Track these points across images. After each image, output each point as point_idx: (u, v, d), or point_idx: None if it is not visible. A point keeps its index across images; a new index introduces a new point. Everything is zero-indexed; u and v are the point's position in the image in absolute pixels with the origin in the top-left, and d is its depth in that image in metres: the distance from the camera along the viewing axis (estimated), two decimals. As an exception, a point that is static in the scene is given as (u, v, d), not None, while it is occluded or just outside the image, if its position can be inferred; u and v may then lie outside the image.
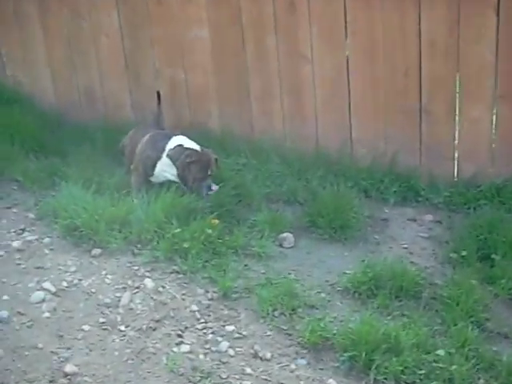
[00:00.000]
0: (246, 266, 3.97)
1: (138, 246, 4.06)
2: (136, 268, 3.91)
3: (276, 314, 3.61)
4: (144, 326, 3.49)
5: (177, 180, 4.32)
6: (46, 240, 4.11)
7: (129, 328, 3.48)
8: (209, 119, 5.22)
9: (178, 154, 4.25)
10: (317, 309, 3.66)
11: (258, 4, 4.90)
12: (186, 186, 4.28)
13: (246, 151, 5.03)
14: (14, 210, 4.42)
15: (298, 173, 4.89)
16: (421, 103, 4.74)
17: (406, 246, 4.25)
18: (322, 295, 3.77)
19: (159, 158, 4.34)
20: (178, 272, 3.88)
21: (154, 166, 4.37)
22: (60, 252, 4.03)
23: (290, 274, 3.94)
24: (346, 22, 4.74)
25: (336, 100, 4.92)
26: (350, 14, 4.71)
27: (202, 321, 3.57)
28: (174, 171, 4.29)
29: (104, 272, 3.87)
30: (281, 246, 4.22)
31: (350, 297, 3.76)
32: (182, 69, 5.19)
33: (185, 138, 4.40)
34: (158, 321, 3.54)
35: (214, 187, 4.30)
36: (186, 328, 3.52)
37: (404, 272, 3.81)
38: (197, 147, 4.31)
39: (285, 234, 4.25)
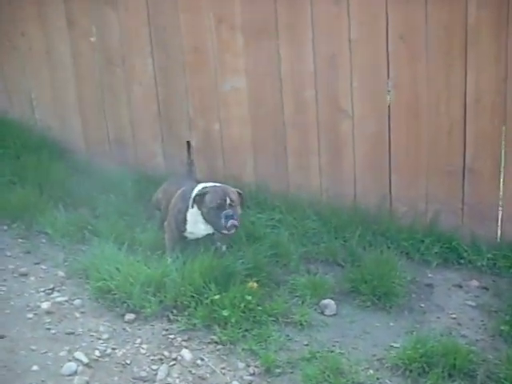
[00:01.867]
0: (287, 336, 3.68)
1: (174, 311, 3.78)
2: (172, 337, 3.63)
3: (322, 393, 3.33)
4: (183, 405, 3.22)
5: (210, 230, 4.03)
6: (77, 302, 3.84)
7: (167, 406, 3.21)
8: (243, 172, 4.98)
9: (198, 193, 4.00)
10: (365, 388, 3.39)
11: (298, 55, 4.68)
12: (206, 220, 3.97)
13: (281, 206, 4.79)
14: (43, 267, 4.14)
15: (336, 230, 4.65)
16: (464, 161, 4.52)
17: (453, 315, 3.97)
18: (370, 372, 3.48)
19: (188, 208, 4.06)
20: (216, 342, 3.60)
21: (185, 218, 4.08)
22: (92, 316, 3.75)
23: (334, 346, 3.66)
24: (388, 76, 4.54)
25: (376, 156, 4.69)
26: (392, 68, 4.50)
27: (244, 397, 3.30)
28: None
29: (139, 340, 3.59)
30: (322, 313, 3.93)
31: (400, 374, 3.47)
32: (216, 119, 4.96)
33: (212, 183, 4.10)
34: (197, 398, 3.27)
35: (236, 219, 3.87)
36: (228, 407, 3.24)
37: (456, 348, 3.52)
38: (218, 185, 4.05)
39: (326, 301, 3.97)
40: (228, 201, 3.86)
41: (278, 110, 4.80)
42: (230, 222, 3.82)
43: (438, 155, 4.54)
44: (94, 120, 5.28)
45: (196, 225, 4.07)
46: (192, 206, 3.99)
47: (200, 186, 4.05)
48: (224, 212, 3.83)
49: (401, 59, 4.47)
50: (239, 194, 4.02)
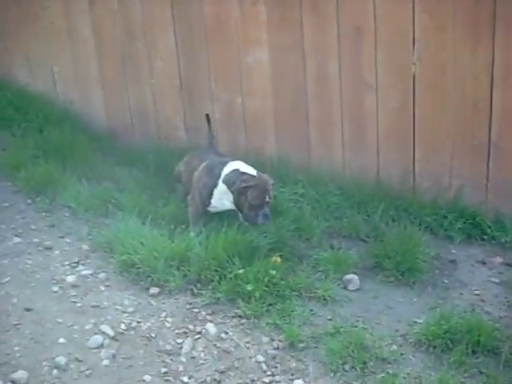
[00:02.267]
0: (311, 311, 3.69)
1: (198, 285, 3.80)
2: (196, 310, 3.65)
3: (346, 367, 3.33)
4: (208, 378, 3.23)
5: (234, 208, 4.05)
6: (102, 275, 3.86)
7: (192, 380, 3.23)
8: (265, 145, 4.95)
9: (234, 178, 3.96)
10: (389, 363, 3.38)
11: (322, 27, 4.60)
12: (242, 213, 4.01)
13: (303, 180, 4.76)
14: (67, 240, 4.16)
15: (358, 205, 4.62)
16: (490, 136, 4.44)
17: (477, 292, 3.94)
18: (394, 347, 3.48)
19: (215, 185, 4.06)
20: (240, 316, 3.62)
21: (211, 194, 4.09)
22: (116, 289, 3.78)
23: (357, 321, 3.66)
24: (413, 48, 4.44)
25: (400, 130, 4.62)
26: (418, 40, 4.40)
27: (269, 373, 3.30)
28: (231, 198, 4.01)
29: (163, 314, 3.61)
30: (345, 288, 3.93)
31: (424, 350, 3.47)
32: (239, 93, 4.92)
33: (241, 162, 4.12)
34: (222, 372, 3.28)
35: (269, 216, 3.96)
36: (253, 381, 3.25)
37: (480, 325, 3.50)
38: (253, 172, 4.02)
39: (350, 276, 3.97)
40: (267, 199, 3.91)
41: (301, 82, 4.74)
42: (265, 220, 3.93)
43: (462, 130, 4.47)
44: (115, 94, 5.25)
45: (221, 201, 4.08)
46: (223, 184, 4.00)
47: (230, 167, 4.05)
48: (262, 211, 3.89)
49: (427, 31, 4.37)
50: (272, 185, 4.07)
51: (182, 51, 4.97)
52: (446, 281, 4.04)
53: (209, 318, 3.61)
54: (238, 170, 4.00)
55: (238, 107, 4.94)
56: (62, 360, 3.22)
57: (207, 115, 4.67)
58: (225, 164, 4.11)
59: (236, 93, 4.92)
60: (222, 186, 4.03)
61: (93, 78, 5.28)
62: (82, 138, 5.03)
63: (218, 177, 4.05)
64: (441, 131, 4.53)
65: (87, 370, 3.21)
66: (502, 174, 4.49)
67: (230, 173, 4.01)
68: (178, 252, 3.86)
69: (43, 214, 4.41)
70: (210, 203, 4.12)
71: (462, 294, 3.93)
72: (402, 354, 3.44)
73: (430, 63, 4.44)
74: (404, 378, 3.27)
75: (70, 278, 3.81)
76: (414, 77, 4.48)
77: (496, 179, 4.50)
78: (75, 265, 3.94)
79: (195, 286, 3.80)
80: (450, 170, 4.58)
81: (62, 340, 3.36)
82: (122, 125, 5.27)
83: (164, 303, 3.70)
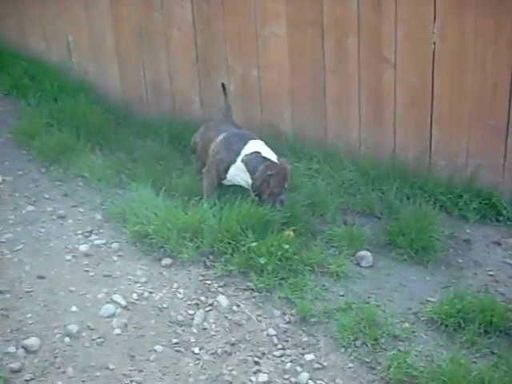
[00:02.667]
0: (323, 286, 3.67)
1: (211, 257, 3.78)
2: (209, 282, 3.63)
3: (357, 343, 3.31)
4: (219, 350, 3.22)
5: (247, 187, 4.01)
6: (115, 245, 3.85)
7: (203, 351, 3.22)
8: (281, 120, 4.90)
9: (256, 162, 3.92)
10: (400, 340, 3.35)
11: (342, 2, 4.52)
12: (259, 197, 3.96)
13: (318, 156, 4.72)
14: (81, 210, 4.16)
15: (373, 182, 4.57)
16: (509, 117, 4.36)
17: (491, 272, 3.89)
18: (406, 325, 3.45)
19: (233, 161, 4.01)
20: (252, 289, 3.60)
21: (228, 169, 4.05)
22: (129, 259, 3.76)
23: (369, 297, 3.63)
24: (434, 26, 4.36)
25: (418, 108, 4.55)
26: (439, 18, 4.31)
27: (280, 347, 3.29)
28: (248, 178, 3.96)
29: (175, 285, 3.60)
30: (358, 264, 3.90)
31: (435, 328, 3.44)
32: (255, 66, 4.86)
33: (262, 143, 4.06)
34: (233, 344, 3.27)
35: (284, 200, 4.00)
36: (264, 354, 3.24)
37: (493, 305, 3.46)
38: (274, 157, 3.97)
39: (363, 253, 3.93)
40: (286, 185, 3.94)
41: (319, 57, 4.67)
42: (281, 205, 3.95)
43: (481, 109, 4.39)
44: (130, 65, 5.21)
45: (236, 176, 4.04)
46: (242, 163, 3.97)
47: (252, 146, 4.00)
48: (280, 197, 3.93)
49: (448, 8, 4.28)
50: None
51: (199, 22, 4.91)
52: (460, 260, 4.00)
53: (221, 290, 3.59)
54: (259, 153, 3.95)
55: (253, 80, 4.89)
56: (73, 328, 3.22)
57: (223, 84, 4.63)
58: (245, 142, 4.04)
59: (252, 66, 4.86)
60: (240, 165, 3.98)
61: (108, 49, 5.24)
62: (96, 109, 5.00)
63: (238, 154, 4.00)
64: (459, 110, 4.45)
65: (99, 338, 3.21)
66: (519, 155, 4.43)
67: (252, 155, 3.96)
68: (191, 224, 3.84)
69: (57, 183, 4.40)
70: (225, 177, 4.08)
71: (475, 274, 3.89)
72: (413, 332, 3.41)
73: (450, 41, 4.35)
74: (415, 355, 3.24)
75: (83, 247, 3.80)
76: (433, 55, 4.41)
77: (513, 160, 4.45)
78: (88, 234, 3.94)
79: (208, 258, 3.78)
80: (467, 149, 4.51)
81: (74, 308, 3.36)
82: (137, 97, 5.24)
83: (176, 274, 3.68)
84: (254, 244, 3.71)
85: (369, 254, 3.94)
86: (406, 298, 3.66)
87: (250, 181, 3.96)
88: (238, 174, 4.03)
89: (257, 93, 4.91)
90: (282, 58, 4.77)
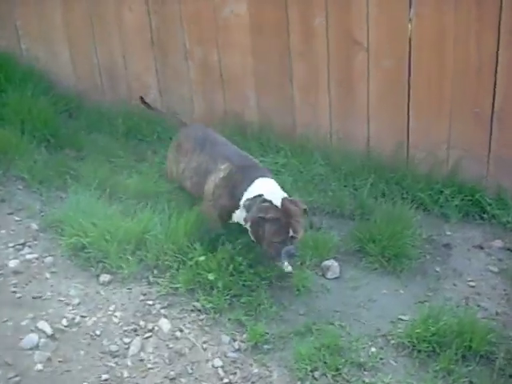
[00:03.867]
0: (281, 304, 3.13)
1: (155, 272, 3.24)
2: (150, 303, 3.10)
3: (316, 374, 2.79)
4: (155, 387, 2.71)
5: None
6: (48, 260, 3.30)
7: (137, 389, 2.71)
8: (245, 109, 4.33)
9: (253, 205, 3.10)
10: (366, 370, 2.84)
11: (307, -23, 3.93)
12: (260, 246, 3.17)
13: (286, 149, 4.17)
14: (16, 218, 3.59)
15: (345, 178, 4.03)
16: (493, 104, 3.81)
17: (472, 283, 3.37)
18: (373, 350, 2.93)
19: (236, 207, 3.20)
20: (199, 310, 3.07)
21: (231, 215, 3.25)
22: (63, 277, 3.22)
23: (333, 316, 3.10)
24: (410, 3, 3.76)
25: (393, 95, 3.99)
26: (415, -7, 3.72)
27: (226, 381, 2.77)
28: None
29: (112, 307, 3.06)
30: (324, 276, 3.36)
31: (407, 354, 2.92)
32: (215, 49, 4.26)
33: (272, 181, 3.23)
34: (172, 379, 2.76)
35: (295, 254, 3.11)
36: (207, 391, 2.73)
37: (473, 326, 2.93)
38: (279, 197, 3.09)
39: (329, 262, 3.39)
40: (291, 233, 3.05)
41: (284, 39, 4.08)
42: (289, 258, 3.12)
43: (463, 96, 3.83)
44: (82, 50, 4.59)
45: (241, 220, 3.21)
46: (243, 207, 3.14)
47: (257, 187, 3.14)
48: (285, 249, 3.05)
49: (425, -18, 3.70)
50: (305, 211, 3.16)
51: (153, 3, 4.30)
52: (437, 269, 3.46)
53: (163, 312, 3.05)
54: (261, 195, 3.10)
55: (214, 65, 4.30)
56: (-13, 364, 2.72)
57: (141, 98, 4.01)
58: (250, 182, 3.18)
59: (212, 49, 4.26)
60: (242, 211, 3.18)
61: (58, 33, 4.59)
62: (44, 100, 4.38)
63: (240, 198, 3.18)
64: (439, 97, 3.90)
65: (16, 376, 2.69)
66: (505, 146, 3.89)
67: (254, 198, 3.12)
68: (133, 234, 3.30)
69: (-6, 187, 3.85)
70: (229, 220, 3.29)
71: (455, 284, 3.36)
72: (381, 359, 2.90)
73: (428, 20, 3.78)
74: (382, 388, 2.74)
75: (13, 263, 3.25)
76: (410, 35, 3.81)
77: (499, 151, 3.90)
78: (20, 247, 3.38)
79: (152, 272, 3.24)
80: (448, 140, 3.97)
81: (-9, 339, 2.85)
82: (91, 84, 4.63)
83: (115, 293, 3.14)
84: (203, 258, 3.16)
85: (335, 263, 3.40)
86: (374, 317, 3.13)
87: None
88: (242, 215, 3.18)
89: (218, 78, 4.32)
90: (244, 40, 4.17)
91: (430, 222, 3.78)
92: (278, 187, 3.20)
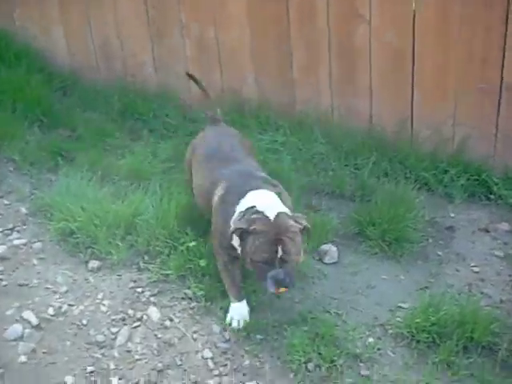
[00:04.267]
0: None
1: (146, 258, 3.10)
2: (140, 290, 2.95)
3: (310, 366, 2.64)
4: (142, 379, 2.57)
5: None
6: (37, 245, 3.17)
7: (123, 381, 2.57)
8: (243, 86, 4.14)
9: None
10: (362, 361, 2.68)
11: None
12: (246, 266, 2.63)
13: (285, 126, 3.98)
14: (6, 202, 3.45)
15: (346, 156, 3.85)
16: (502, 79, 3.57)
17: (476, 268, 3.18)
18: (370, 340, 2.77)
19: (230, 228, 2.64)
20: (190, 298, 2.92)
21: (232, 240, 2.64)
22: (51, 263, 3.08)
23: (329, 304, 2.94)
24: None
25: (397, 70, 3.78)
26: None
27: (216, 373, 2.63)
28: None
29: (101, 295, 2.92)
30: (321, 260, 3.20)
31: (405, 344, 2.75)
32: (212, 25, 4.05)
33: (271, 193, 2.66)
34: (160, 371, 2.62)
35: (289, 283, 2.48)
36: (196, 383, 2.58)
37: (475, 315, 2.76)
38: (274, 210, 2.53)
39: (327, 246, 3.22)
40: (280, 253, 2.45)
41: (283, 11, 3.86)
42: (275, 286, 2.47)
43: (470, 70, 3.60)
44: (77, 27, 4.40)
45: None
46: (231, 238, 2.61)
47: (251, 199, 2.61)
48: (271, 273, 2.46)
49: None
50: (306, 230, 2.58)
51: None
52: (440, 253, 3.28)
53: (153, 299, 2.91)
54: (254, 207, 2.57)
55: (211, 42, 4.09)
56: (-31, 356, 2.60)
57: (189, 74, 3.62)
58: (242, 195, 2.64)
59: (209, 25, 4.05)
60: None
61: (53, 11, 4.41)
62: (38, 79, 4.23)
63: (232, 215, 2.64)
64: (445, 72, 3.68)
65: (-1, 368, 2.58)
66: (514, 122, 3.65)
67: (245, 211, 2.58)
68: (124, 218, 3.16)
69: (-15, 170, 3.71)
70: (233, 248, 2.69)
71: (457, 270, 3.18)
72: (378, 350, 2.74)
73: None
74: (378, 381, 2.58)
75: (0, 249, 3.13)
76: (414, 7, 3.58)
77: (507, 129, 3.66)
78: (9, 232, 3.25)
79: (142, 258, 3.10)
80: (453, 116, 3.75)
81: (-25, 329, 2.73)
82: (86, 62, 4.46)
83: (104, 280, 3.01)
84: (193, 243, 3.01)
85: (334, 248, 3.23)
86: (373, 304, 2.96)
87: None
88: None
89: (215, 55, 4.12)
90: (242, 15, 3.96)
91: (434, 202, 3.60)
92: (279, 201, 2.63)
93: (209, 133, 3.21)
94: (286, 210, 2.58)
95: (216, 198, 2.77)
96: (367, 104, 3.89)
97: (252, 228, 2.45)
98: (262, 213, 2.50)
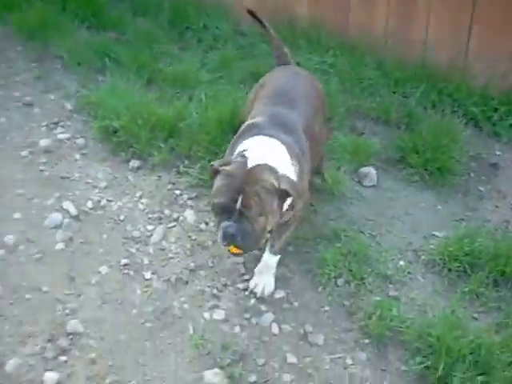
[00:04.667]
0: (311, 206, 2.95)
1: (186, 162, 3.10)
2: (178, 192, 2.98)
3: (339, 282, 2.65)
4: (173, 277, 2.62)
5: None
6: (80, 141, 3.20)
7: (155, 276, 2.63)
8: (297, 5, 4.00)
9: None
10: (391, 283, 2.68)
11: None
12: None
13: (336, 48, 3.87)
14: (51, 97, 3.47)
15: (396, 84, 3.74)
16: None
17: (516, 206, 3.12)
18: (401, 263, 2.76)
19: None
20: (227, 206, 2.93)
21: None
22: (93, 159, 3.12)
23: (364, 225, 2.92)
24: None
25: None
26: None
27: (247, 278, 2.66)
28: None
29: (139, 193, 2.96)
30: (360, 183, 3.16)
31: (436, 271, 2.73)
32: None
33: (274, 143, 2.36)
34: (192, 270, 2.66)
35: (238, 244, 2.22)
36: (225, 286, 2.62)
37: (509, 251, 2.70)
38: (255, 161, 2.24)
39: (367, 169, 3.18)
40: (239, 204, 2.17)
41: None
42: (224, 239, 2.20)
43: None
44: None
45: None
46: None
47: (244, 145, 2.36)
48: (224, 223, 2.20)
49: None
50: (281, 190, 2.23)
51: None
52: (481, 188, 3.20)
53: (190, 203, 2.94)
54: (245, 151, 2.31)
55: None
56: (10, 239, 2.68)
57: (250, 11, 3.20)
58: (251, 136, 2.40)
59: None
60: None
61: None
62: (90, -22, 4.17)
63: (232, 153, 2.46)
64: (507, 6, 3.47)
65: (37, 253, 2.65)
66: None
67: (238, 153, 2.35)
68: (167, 121, 3.16)
69: (32, 64, 3.70)
70: None
71: (497, 206, 3.10)
72: (409, 273, 2.73)
73: None
74: (405, 303, 2.59)
75: (44, 142, 3.17)
76: None
77: None
78: (54, 126, 3.29)
79: (183, 162, 3.11)
80: (511, 53, 3.57)
81: (16, 215, 2.80)
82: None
83: (143, 180, 3.04)
84: (235, 152, 2.99)
85: (373, 171, 3.18)
86: (407, 230, 2.93)
87: None
88: None
89: (271, -31, 3.99)
90: None
91: (480, 139, 3.48)
92: (279, 155, 2.33)
93: (276, 74, 2.90)
94: (279, 166, 2.27)
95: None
96: (423, 32, 3.71)
97: (222, 168, 2.25)
98: (245, 158, 2.26)
